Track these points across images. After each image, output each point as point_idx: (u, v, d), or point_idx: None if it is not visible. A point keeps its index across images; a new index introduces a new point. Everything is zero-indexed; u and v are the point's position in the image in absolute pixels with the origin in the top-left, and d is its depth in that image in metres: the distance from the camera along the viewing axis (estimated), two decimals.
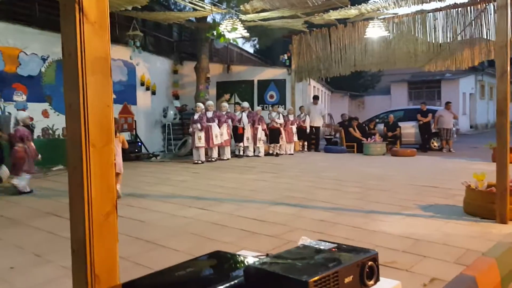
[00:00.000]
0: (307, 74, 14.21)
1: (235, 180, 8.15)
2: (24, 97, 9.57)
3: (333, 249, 1.21)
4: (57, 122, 10.23)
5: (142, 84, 12.91)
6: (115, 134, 7.59)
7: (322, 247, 1.24)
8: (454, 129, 13.77)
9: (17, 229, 4.87)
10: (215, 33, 9.52)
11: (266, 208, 5.78)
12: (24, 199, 6.60)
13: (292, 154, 13.15)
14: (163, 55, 14.28)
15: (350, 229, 4.71)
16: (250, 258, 1.32)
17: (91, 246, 1.40)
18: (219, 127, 11.10)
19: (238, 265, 1.31)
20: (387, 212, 5.47)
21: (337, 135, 15.16)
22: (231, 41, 10.21)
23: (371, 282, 1.15)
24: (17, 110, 9.41)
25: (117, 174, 7.03)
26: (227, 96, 13.45)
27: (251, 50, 25.61)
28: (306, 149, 14.16)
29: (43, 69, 10.01)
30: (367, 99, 29.28)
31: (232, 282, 1.15)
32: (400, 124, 14.35)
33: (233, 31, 9.07)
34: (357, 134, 13.98)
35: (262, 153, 12.57)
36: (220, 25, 9.53)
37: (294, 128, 13.24)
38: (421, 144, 14.03)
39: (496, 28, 5.27)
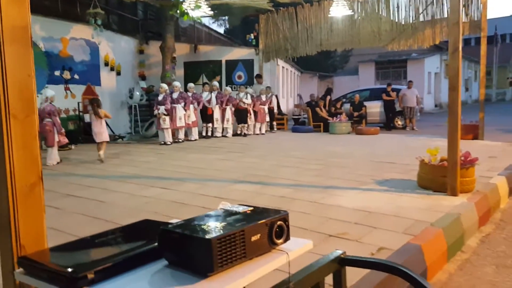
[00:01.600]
0: (275, 54, 14.21)
1: (200, 161, 8.17)
2: None
3: (248, 211, 1.26)
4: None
5: (106, 64, 12.58)
6: (98, 109, 7.76)
7: (237, 210, 1.28)
8: (417, 107, 14.15)
9: None
10: (178, 11, 9.34)
11: (228, 186, 5.84)
12: None
13: (263, 134, 13.24)
14: (128, 34, 13.91)
15: (307, 203, 4.83)
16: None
17: (15, 218, 1.40)
18: (185, 108, 11.01)
19: None
20: (345, 187, 5.62)
21: (305, 115, 15.34)
22: (195, 20, 10.02)
23: (280, 240, 1.20)
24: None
25: (103, 143, 8.18)
26: (218, 78, 13.31)
27: (221, 30, 25.36)
28: (275, 129, 14.28)
29: None
30: (336, 79, 29.64)
31: (147, 247, 1.18)
32: (366, 103, 14.63)
33: (196, 9, 8.91)
34: (324, 113, 14.16)
35: (230, 134, 12.58)
36: (183, 3, 9.35)
37: (265, 108, 13.28)
38: (385, 123, 14.37)
39: (449, 6, 5.41)
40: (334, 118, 13.58)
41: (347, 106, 14.96)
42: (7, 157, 1.38)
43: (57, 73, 10.96)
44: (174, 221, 2.03)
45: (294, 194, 5.30)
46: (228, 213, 1.25)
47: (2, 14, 1.37)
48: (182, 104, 10.95)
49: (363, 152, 8.96)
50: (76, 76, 11.48)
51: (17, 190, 1.41)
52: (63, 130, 8.27)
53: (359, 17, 12.63)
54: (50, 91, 8.44)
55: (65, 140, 8.34)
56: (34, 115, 1.45)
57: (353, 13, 12.17)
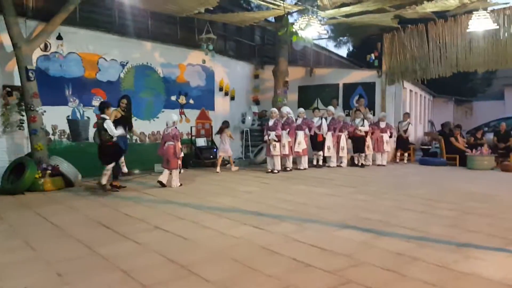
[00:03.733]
0: (400, 75, 12.70)
1: (304, 194, 7.25)
2: None
3: None
4: (136, 126, 10.23)
5: (221, 89, 12.58)
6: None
7: None
8: None
9: (57, 239, 4.57)
10: (287, 32, 8.74)
11: (330, 231, 4.82)
12: (86, 204, 6.45)
13: (383, 165, 11.80)
14: (244, 60, 13.84)
15: (433, 268, 3.59)
16: None
17: None
18: (290, 134, 10.25)
19: None
20: (487, 246, 4.20)
21: (437, 144, 13.37)
22: (307, 41, 9.30)
23: None
24: (96, 115, 9.61)
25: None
26: (334, 102, 12.51)
27: (344, 54, 24.39)
28: (405, 161, 12.66)
29: (122, 75, 10.10)
30: (476, 104, 26.03)
31: None
32: None
33: (307, 28, 8.17)
34: (460, 144, 12.11)
35: (344, 164, 11.43)
36: (295, 23, 8.71)
37: (385, 136, 11.86)
38: None
39: None
40: (474, 150, 11.47)
41: (490, 136, 12.61)
42: None
43: (173, 98, 11.20)
44: None
45: (415, 251, 4.06)
46: None
47: None
48: (288, 130, 10.22)
49: (511, 195, 7.10)
50: (191, 101, 11.61)
51: None
52: (181, 155, 8.37)
53: (506, 32, 10.59)
54: (176, 116, 8.66)
55: (180, 164, 8.44)
56: None
57: (498, 27, 10.21)
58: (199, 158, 11.13)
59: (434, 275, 3.40)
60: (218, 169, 10.13)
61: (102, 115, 7.33)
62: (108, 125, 7.19)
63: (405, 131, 12.47)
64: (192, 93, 11.59)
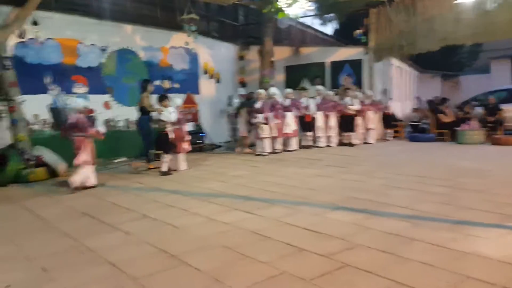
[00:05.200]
0: (388, 52, 12.55)
1: (295, 176, 7.14)
2: (85, 89, 9.41)
3: None
4: (119, 113, 9.97)
5: (205, 72, 12.31)
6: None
7: None
8: None
9: (42, 234, 4.39)
10: (273, 9, 8.49)
11: (323, 213, 4.72)
12: (72, 195, 6.25)
13: (371, 143, 11.76)
14: (228, 41, 13.53)
15: (431, 248, 3.51)
16: None
17: None
18: (276, 117, 10.09)
19: None
20: (484, 223, 4.13)
21: (425, 120, 13.33)
22: (292, 18, 9.05)
23: None
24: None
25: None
26: (317, 81, 12.27)
27: (329, 32, 24.07)
28: (388, 138, 12.64)
29: (102, 60, 9.78)
30: (463, 79, 26.03)
31: None
32: (502, 106, 12.12)
33: (293, 4, 7.91)
34: (449, 118, 12.09)
35: (334, 143, 11.35)
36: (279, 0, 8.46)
37: (371, 114, 11.78)
38: None
39: None
40: (463, 124, 11.46)
41: (479, 110, 12.58)
42: None
43: (157, 82, 10.89)
44: None
45: (411, 231, 3.98)
46: None
47: None
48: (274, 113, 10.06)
49: (504, 169, 7.09)
50: (176, 85, 11.34)
51: None
52: (187, 138, 8.36)
53: (495, 3, 10.46)
54: (179, 99, 8.44)
55: (189, 147, 8.40)
56: None
57: None
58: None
59: (432, 256, 3.32)
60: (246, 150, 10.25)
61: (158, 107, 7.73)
62: (166, 115, 7.63)
63: (387, 107, 12.41)
64: (177, 77, 11.30)
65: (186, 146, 8.25)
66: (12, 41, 7.97)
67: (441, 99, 13.04)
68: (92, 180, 6.70)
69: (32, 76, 8.45)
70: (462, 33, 11.19)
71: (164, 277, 3.15)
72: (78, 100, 6.95)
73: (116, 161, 9.61)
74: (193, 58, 11.91)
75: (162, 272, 3.22)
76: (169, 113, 7.74)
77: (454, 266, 3.10)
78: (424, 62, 21.04)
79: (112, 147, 9.35)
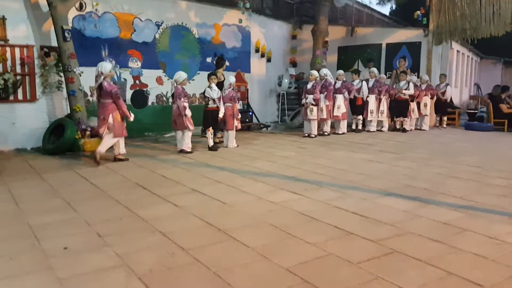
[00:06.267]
0: (449, 35, 11.87)
1: (345, 160, 7.01)
2: (139, 64, 9.63)
3: None
4: (171, 89, 10.14)
5: (257, 50, 12.19)
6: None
7: None
8: None
9: (97, 201, 4.59)
10: None
11: (374, 199, 4.61)
12: (125, 165, 6.48)
13: (424, 130, 11.32)
14: (282, 19, 13.30)
15: (484, 240, 3.37)
16: None
17: None
18: (327, 98, 9.86)
19: None
20: None
21: (483, 108, 12.63)
22: None
23: None
24: (132, 76, 9.58)
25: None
26: (370, 65, 11.89)
27: (386, 12, 23.14)
28: (444, 125, 12.09)
29: (157, 36, 9.93)
30: None
31: None
32: None
33: None
34: (510, 109, 11.36)
35: (385, 128, 11.00)
36: None
37: (426, 99, 11.29)
38: None
39: None
40: None
41: None
42: None
43: (208, 59, 10.97)
44: None
45: (464, 221, 3.82)
46: None
47: None
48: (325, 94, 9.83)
49: None
50: (227, 63, 11.34)
51: None
52: (239, 116, 8.49)
53: None
54: (232, 77, 8.47)
55: (239, 126, 8.54)
56: None
57: None
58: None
59: (485, 248, 3.19)
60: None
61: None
62: (208, 91, 7.88)
63: (443, 93, 11.81)
64: (228, 55, 11.29)
65: (236, 124, 8.31)
66: (72, 13, 8.22)
67: (502, 87, 12.24)
68: (122, 150, 6.84)
69: (90, 49, 8.73)
70: None
71: (212, 249, 3.20)
72: (105, 64, 6.73)
73: (167, 135, 9.86)
74: (245, 36, 11.84)
75: (211, 245, 3.28)
76: (212, 90, 7.83)
77: (508, 259, 2.97)
78: (485, 47, 19.81)
79: (163, 122, 9.59)
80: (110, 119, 6.46)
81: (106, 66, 6.59)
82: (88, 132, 7.65)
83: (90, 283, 2.68)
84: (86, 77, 8.02)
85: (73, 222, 3.89)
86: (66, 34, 7.55)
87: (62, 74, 8.00)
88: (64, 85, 8.05)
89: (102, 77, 6.48)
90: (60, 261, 3.01)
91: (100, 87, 6.53)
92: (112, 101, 6.49)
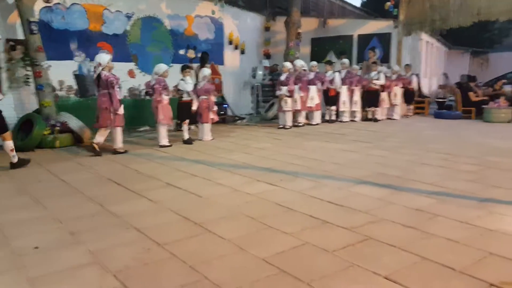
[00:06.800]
0: (419, 26, 12.12)
1: (319, 150, 7.08)
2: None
3: None
4: (143, 82, 9.96)
5: (230, 42, 12.13)
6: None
7: None
8: None
9: (68, 198, 4.48)
10: None
11: (348, 187, 4.68)
12: (96, 161, 6.35)
13: (396, 119, 11.55)
14: (255, 11, 13.23)
15: (456, 225, 3.47)
16: None
17: None
18: (302, 90, 9.92)
19: None
20: (510, 201, 4.05)
21: (451, 97, 12.98)
22: None
23: None
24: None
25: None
26: (342, 57, 11.95)
27: (358, 4, 23.37)
28: (410, 114, 12.38)
29: (128, 27, 9.72)
30: (492, 56, 25.09)
31: None
32: None
33: None
34: (479, 96, 11.71)
35: (358, 118, 11.17)
36: None
37: (397, 89, 11.50)
38: None
39: None
40: (491, 102, 11.10)
41: (508, 88, 12.15)
42: None
43: (181, 52, 10.82)
44: None
45: (436, 207, 3.92)
46: None
47: None
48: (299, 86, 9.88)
49: None
50: (200, 55, 11.24)
51: None
52: (215, 108, 8.41)
53: None
54: (208, 70, 8.41)
55: (216, 118, 8.47)
56: None
57: None
58: None
59: (457, 232, 3.28)
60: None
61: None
62: (182, 84, 7.79)
63: (409, 83, 12.07)
64: (201, 47, 11.17)
65: (212, 116, 8.28)
66: (39, 5, 7.95)
67: (469, 77, 12.61)
68: (119, 144, 6.92)
69: (58, 42, 8.47)
70: (496, 9, 10.75)
71: (189, 243, 3.18)
72: (103, 55, 6.83)
73: (140, 129, 9.70)
74: (218, 27, 11.73)
75: (187, 239, 3.26)
76: (186, 83, 7.79)
77: (478, 242, 3.07)
78: (453, 38, 20.31)
79: (136, 116, 9.42)
80: (121, 110, 6.77)
81: (104, 57, 6.74)
82: (57, 128, 7.46)
83: (63, 281, 2.62)
84: (54, 71, 7.76)
85: (43, 219, 3.79)
86: (33, 27, 7.31)
87: (29, 68, 7.74)
88: (32, 80, 7.79)
89: (100, 68, 6.56)
90: (31, 259, 2.93)
91: (98, 78, 6.60)
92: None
